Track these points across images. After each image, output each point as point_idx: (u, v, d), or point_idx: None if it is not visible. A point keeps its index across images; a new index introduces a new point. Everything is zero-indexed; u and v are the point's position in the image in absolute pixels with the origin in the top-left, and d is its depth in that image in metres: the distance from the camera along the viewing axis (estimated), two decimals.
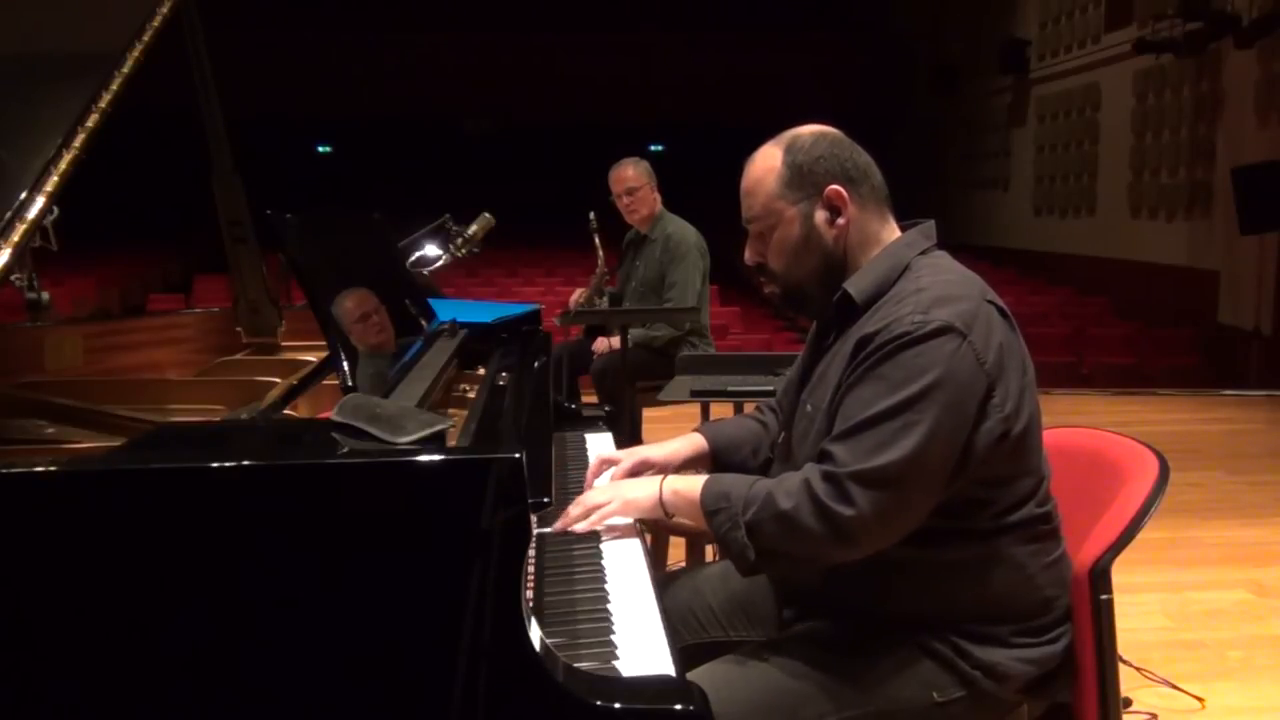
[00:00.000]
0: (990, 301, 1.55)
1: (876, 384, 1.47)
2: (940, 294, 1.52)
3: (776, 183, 1.62)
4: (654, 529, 2.62)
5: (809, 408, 1.65)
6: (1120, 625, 1.55)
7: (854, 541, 1.46)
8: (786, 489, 1.49)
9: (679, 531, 2.59)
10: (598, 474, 1.88)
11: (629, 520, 1.76)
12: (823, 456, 1.49)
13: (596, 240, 4.56)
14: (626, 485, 1.72)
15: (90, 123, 1.72)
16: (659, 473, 1.87)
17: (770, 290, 1.71)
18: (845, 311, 1.62)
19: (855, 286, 1.60)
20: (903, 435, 1.43)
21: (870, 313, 1.57)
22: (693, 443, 1.92)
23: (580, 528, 1.69)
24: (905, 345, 1.46)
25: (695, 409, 3.44)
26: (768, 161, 1.64)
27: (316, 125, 18.56)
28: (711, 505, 1.55)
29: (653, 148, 16.89)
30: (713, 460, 1.92)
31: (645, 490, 1.67)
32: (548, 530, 1.69)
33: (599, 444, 2.35)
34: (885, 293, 1.58)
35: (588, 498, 1.71)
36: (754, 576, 1.79)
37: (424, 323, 2.32)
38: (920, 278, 1.56)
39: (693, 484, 1.61)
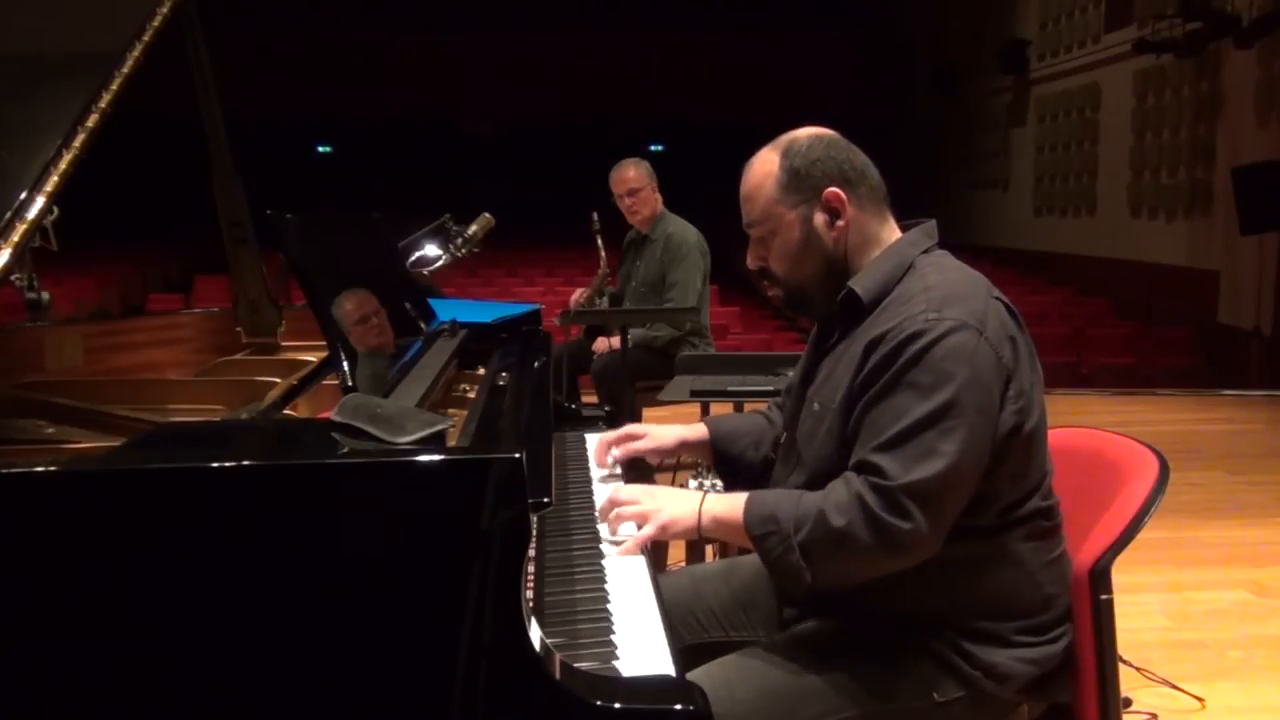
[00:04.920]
0: (997, 298, 1.56)
1: (907, 391, 1.47)
2: (949, 292, 1.52)
3: (774, 187, 1.62)
4: None
5: (815, 405, 1.64)
6: (1120, 625, 1.55)
7: (910, 552, 1.46)
8: (836, 504, 1.47)
9: None
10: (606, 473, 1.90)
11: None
12: (865, 468, 1.48)
13: (599, 240, 4.56)
14: (665, 503, 1.64)
15: (90, 123, 1.72)
16: (651, 443, 1.93)
17: (774, 293, 1.71)
18: (850, 310, 1.62)
19: (861, 285, 1.60)
20: (943, 443, 1.43)
21: (877, 312, 1.57)
22: (693, 429, 1.93)
23: (621, 551, 1.65)
24: (926, 348, 1.46)
25: (695, 409, 3.44)
26: (765, 166, 1.64)
27: (316, 125, 18.58)
28: (759, 529, 1.52)
29: (653, 148, 16.91)
30: (711, 449, 1.92)
31: (684, 512, 1.61)
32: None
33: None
34: (890, 292, 1.58)
35: (623, 509, 1.66)
36: (754, 576, 1.80)
37: (424, 323, 2.32)
38: (926, 276, 1.57)
39: (733, 508, 1.57)
